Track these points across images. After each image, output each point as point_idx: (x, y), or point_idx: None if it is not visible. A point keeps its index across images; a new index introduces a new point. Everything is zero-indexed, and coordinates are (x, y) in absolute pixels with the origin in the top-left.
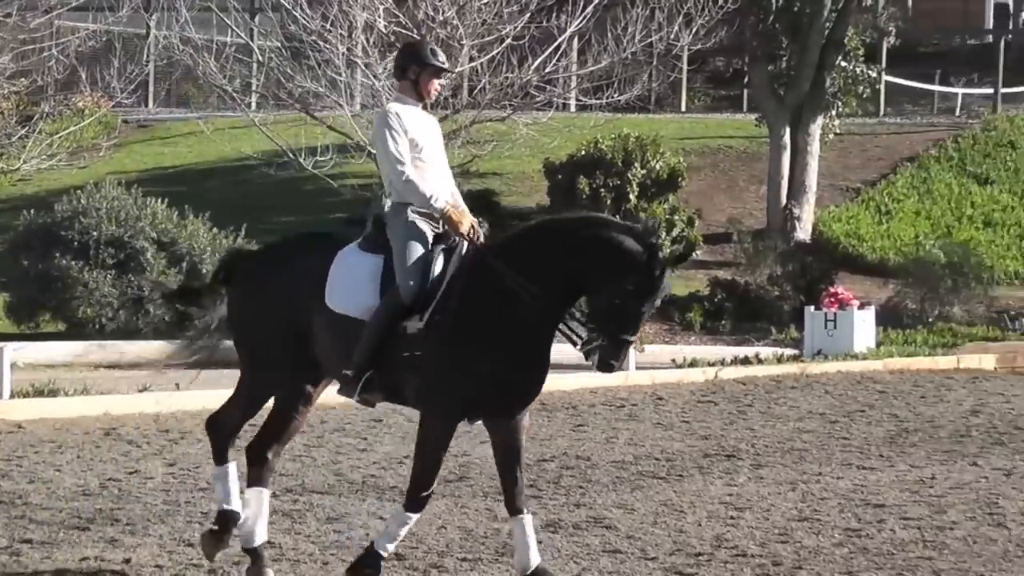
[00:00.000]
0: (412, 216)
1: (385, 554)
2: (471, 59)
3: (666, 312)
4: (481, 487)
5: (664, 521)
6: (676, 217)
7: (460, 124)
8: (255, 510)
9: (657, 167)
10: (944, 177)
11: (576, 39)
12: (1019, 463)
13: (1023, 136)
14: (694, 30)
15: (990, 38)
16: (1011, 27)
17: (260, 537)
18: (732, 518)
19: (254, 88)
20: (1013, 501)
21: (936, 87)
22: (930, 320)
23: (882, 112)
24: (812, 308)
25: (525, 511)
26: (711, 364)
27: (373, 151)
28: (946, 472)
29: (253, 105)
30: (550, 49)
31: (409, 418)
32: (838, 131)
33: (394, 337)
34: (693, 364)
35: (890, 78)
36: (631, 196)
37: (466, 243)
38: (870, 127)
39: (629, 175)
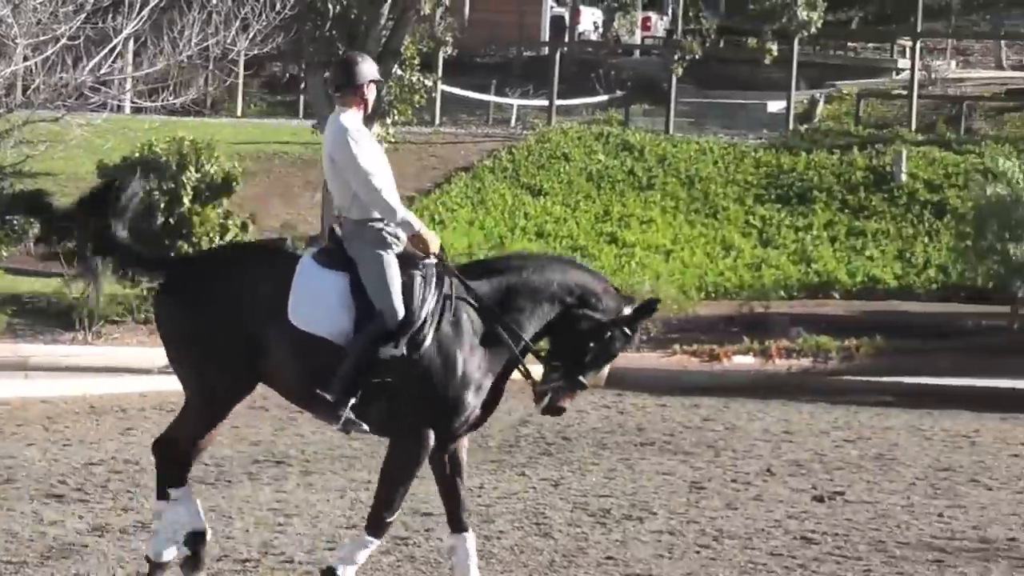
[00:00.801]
0: (381, 235)
1: None
2: (25, 58)
3: None
4: (28, 490)
5: (212, 527)
6: (230, 222)
7: (13, 124)
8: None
9: (212, 171)
10: (498, 187)
11: (132, 41)
12: (567, 474)
13: (576, 148)
14: (251, 35)
15: (545, 50)
16: (566, 40)
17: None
18: (280, 524)
19: None
20: (560, 511)
21: (492, 97)
22: None
23: (437, 121)
24: None
25: (469, 529)
26: None
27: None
28: (494, 482)
29: None
30: (105, 50)
31: None
32: (393, 139)
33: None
34: None
35: (446, 88)
36: (185, 200)
37: (435, 265)
38: (425, 136)
39: (183, 179)
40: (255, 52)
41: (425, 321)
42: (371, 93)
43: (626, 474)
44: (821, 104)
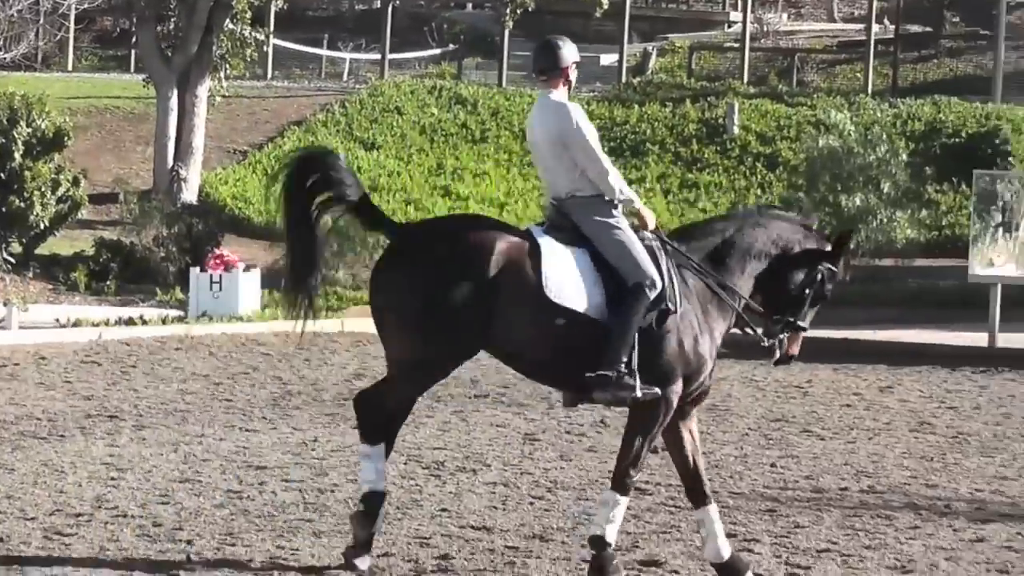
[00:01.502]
0: (612, 210)
1: (613, 542)
2: None
3: (50, 272)
4: None
5: (44, 481)
6: (62, 176)
7: None
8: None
9: (43, 126)
10: (331, 141)
11: None
12: (401, 426)
13: (409, 101)
14: None
15: (378, 3)
16: None
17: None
18: (113, 479)
19: None
20: (393, 464)
21: (324, 51)
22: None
23: (270, 76)
24: (198, 270)
25: (712, 501)
26: (95, 324)
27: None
28: (328, 435)
29: None
30: None
31: None
32: (226, 94)
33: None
34: (77, 324)
35: (278, 42)
36: (16, 155)
37: (654, 238)
38: (258, 90)
39: (15, 134)
40: (86, 6)
41: (669, 289)
42: (573, 74)
43: (460, 426)
44: (653, 57)
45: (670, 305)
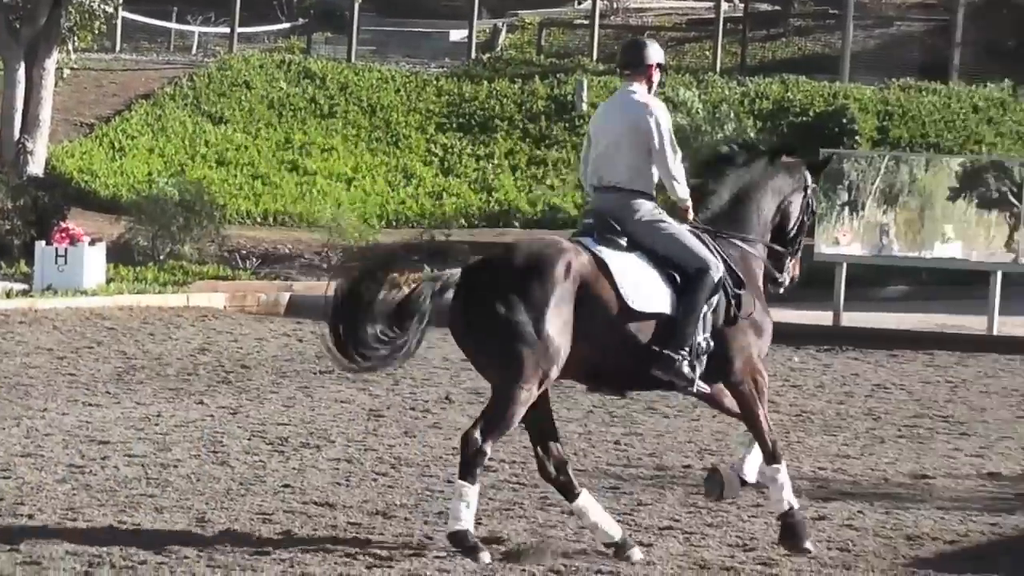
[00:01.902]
0: (653, 205)
1: (796, 504)
2: None
3: None
4: None
5: None
6: None
7: None
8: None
9: None
10: (179, 115)
11: None
12: (245, 402)
13: (257, 76)
14: None
15: None
16: None
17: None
18: None
19: None
20: (237, 440)
21: (173, 24)
22: (161, 258)
23: (118, 48)
24: (43, 243)
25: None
26: None
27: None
28: (172, 410)
29: None
30: None
31: None
32: (74, 66)
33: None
34: None
35: (127, 14)
36: None
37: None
38: (106, 63)
39: None
40: None
41: (727, 272)
42: (656, 75)
43: (304, 402)
44: (503, 33)
45: (731, 286)
